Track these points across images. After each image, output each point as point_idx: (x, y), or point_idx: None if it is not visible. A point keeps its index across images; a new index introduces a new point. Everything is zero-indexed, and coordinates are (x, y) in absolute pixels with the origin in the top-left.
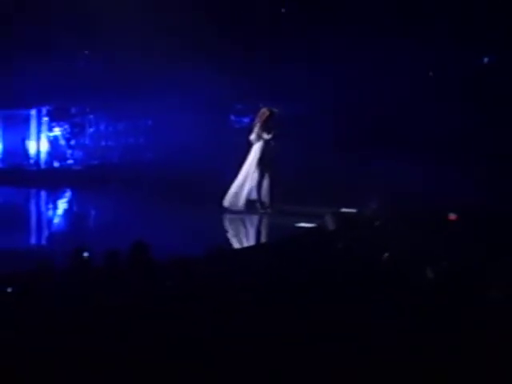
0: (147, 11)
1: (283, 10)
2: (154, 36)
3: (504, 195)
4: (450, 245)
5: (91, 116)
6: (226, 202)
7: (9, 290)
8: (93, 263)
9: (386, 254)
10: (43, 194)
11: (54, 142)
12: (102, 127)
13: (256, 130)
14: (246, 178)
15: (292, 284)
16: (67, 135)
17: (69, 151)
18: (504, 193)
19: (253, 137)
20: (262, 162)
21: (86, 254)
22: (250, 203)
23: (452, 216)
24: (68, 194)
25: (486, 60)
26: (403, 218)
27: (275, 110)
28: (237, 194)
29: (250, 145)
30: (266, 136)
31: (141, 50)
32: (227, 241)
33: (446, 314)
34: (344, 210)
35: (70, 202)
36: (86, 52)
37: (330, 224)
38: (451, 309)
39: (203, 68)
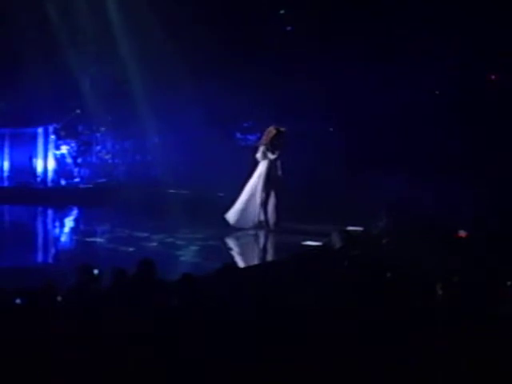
0: (154, 30)
1: (289, 28)
2: (162, 55)
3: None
4: (459, 261)
5: (98, 134)
6: (231, 219)
7: (17, 301)
8: (101, 280)
9: (389, 274)
10: (50, 211)
11: (60, 160)
12: (108, 145)
13: (262, 148)
14: (252, 196)
15: (298, 301)
16: (74, 153)
17: (75, 169)
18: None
19: (259, 155)
20: (268, 181)
21: (95, 271)
22: (256, 222)
23: (462, 233)
24: (75, 211)
25: (493, 77)
26: (412, 235)
27: (282, 128)
28: (242, 212)
29: (256, 162)
30: (271, 156)
31: (148, 69)
32: (234, 259)
33: (457, 330)
34: (350, 228)
35: (76, 220)
36: (94, 69)
37: (337, 242)
38: (462, 325)
39: (209, 85)
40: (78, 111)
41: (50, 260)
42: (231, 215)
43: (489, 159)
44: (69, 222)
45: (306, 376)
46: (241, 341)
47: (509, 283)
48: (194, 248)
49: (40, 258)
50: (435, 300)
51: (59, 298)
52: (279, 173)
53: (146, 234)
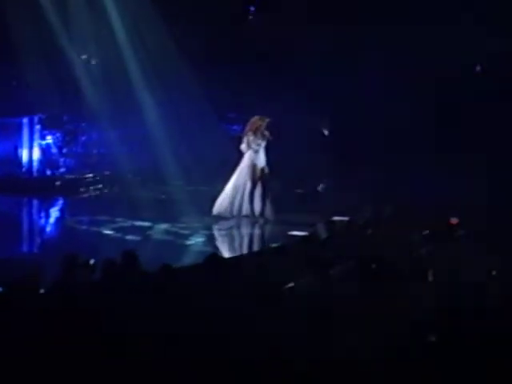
0: (142, 19)
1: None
2: (149, 44)
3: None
4: (451, 249)
5: (83, 124)
6: (216, 209)
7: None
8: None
9: (374, 266)
10: (35, 202)
11: (46, 149)
12: (94, 135)
13: (246, 139)
14: (238, 187)
15: (283, 292)
16: (59, 143)
17: (61, 159)
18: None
19: (243, 146)
20: (254, 171)
21: (91, 261)
22: (243, 213)
23: (453, 220)
24: (60, 202)
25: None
26: (399, 224)
27: (267, 118)
28: (227, 202)
29: (240, 154)
30: (254, 146)
31: (136, 59)
32: (220, 250)
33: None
34: (336, 218)
35: (61, 210)
36: (84, 57)
37: (322, 232)
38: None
39: (197, 76)
40: None
41: (36, 250)
42: (217, 206)
43: (476, 148)
44: (54, 212)
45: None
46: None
47: (493, 272)
48: (178, 240)
49: (23, 248)
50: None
51: (41, 290)
52: (264, 163)
53: (126, 224)
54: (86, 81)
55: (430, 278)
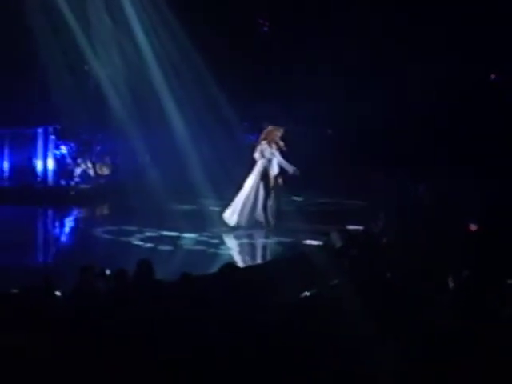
0: (164, 29)
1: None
2: (165, 54)
3: None
4: (471, 255)
5: (99, 135)
6: (229, 219)
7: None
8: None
9: (389, 274)
10: (50, 212)
11: (60, 160)
12: (109, 145)
13: (260, 147)
14: (249, 196)
15: (298, 300)
16: (73, 153)
17: (76, 169)
18: None
19: (257, 155)
20: (267, 180)
21: (107, 272)
22: (255, 221)
23: (473, 226)
24: (75, 211)
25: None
26: (417, 232)
27: (282, 128)
28: (240, 211)
29: (254, 162)
30: (268, 155)
31: (150, 69)
32: (235, 259)
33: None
34: (350, 227)
35: (76, 220)
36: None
37: (337, 241)
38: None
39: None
40: None
41: (49, 260)
42: (229, 216)
43: (490, 153)
44: (68, 222)
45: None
46: (240, 339)
47: (510, 281)
48: (193, 250)
49: (39, 258)
50: (447, 293)
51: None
52: (277, 172)
53: (144, 234)
54: (108, 91)
55: (451, 285)
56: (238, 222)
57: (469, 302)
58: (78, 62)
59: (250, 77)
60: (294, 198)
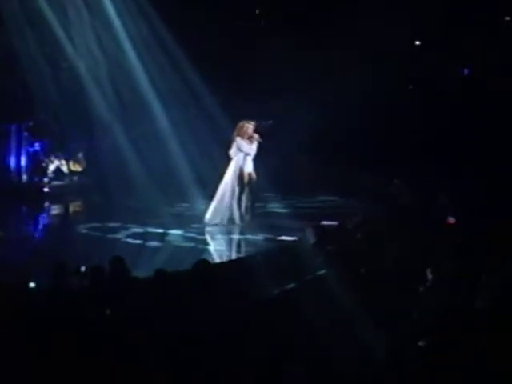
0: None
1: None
2: (144, 44)
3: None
4: (450, 247)
5: (73, 130)
6: (209, 218)
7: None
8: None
9: (363, 270)
10: (24, 208)
11: (33, 156)
12: (84, 141)
13: (235, 143)
14: (225, 192)
15: (272, 296)
16: (46, 150)
17: (50, 166)
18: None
19: (232, 151)
20: (241, 176)
21: (82, 269)
22: (230, 218)
23: (451, 220)
24: (51, 208)
25: (466, 72)
26: (394, 225)
27: (253, 122)
28: (216, 208)
29: (229, 159)
30: (246, 150)
31: (130, 61)
32: (209, 255)
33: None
34: (325, 222)
35: (54, 217)
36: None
37: (311, 237)
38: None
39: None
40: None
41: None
42: (209, 215)
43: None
44: (42, 219)
45: None
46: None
47: (483, 278)
48: (167, 246)
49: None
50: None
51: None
52: (252, 168)
53: (119, 230)
54: (86, 85)
55: (430, 277)
56: (213, 219)
57: (448, 292)
58: (55, 54)
59: (233, 69)
60: (267, 194)
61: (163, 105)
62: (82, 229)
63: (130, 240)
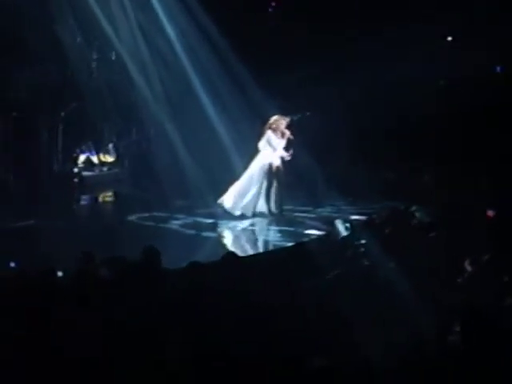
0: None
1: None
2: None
3: None
4: (488, 240)
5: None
6: (228, 204)
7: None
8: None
9: (392, 264)
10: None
11: (64, 146)
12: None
13: (266, 137)
14: (250, 185)
15: (301, 291)
16: (77, 141)
17: (80, 157)
18: None
19: (261, 144)
20: (270, 170)
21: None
22: (256, 211)
23: (490, 212)
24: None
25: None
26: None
27: (286, 117)
28: (240, 198)
29: (257, 150)
30: (274, 144)
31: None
32: (237, 248)
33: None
34: (353, 217)
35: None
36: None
37: (340, 231)
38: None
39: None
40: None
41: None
42: (227, 200)
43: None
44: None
45: None
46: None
47: (506, 278)
48: (196, 237)
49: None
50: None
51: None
52: (280, 162)
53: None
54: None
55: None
56: (236, 208)
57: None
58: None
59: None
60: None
61: (208, 95)
62: (133, 218)
63: (184, 230)
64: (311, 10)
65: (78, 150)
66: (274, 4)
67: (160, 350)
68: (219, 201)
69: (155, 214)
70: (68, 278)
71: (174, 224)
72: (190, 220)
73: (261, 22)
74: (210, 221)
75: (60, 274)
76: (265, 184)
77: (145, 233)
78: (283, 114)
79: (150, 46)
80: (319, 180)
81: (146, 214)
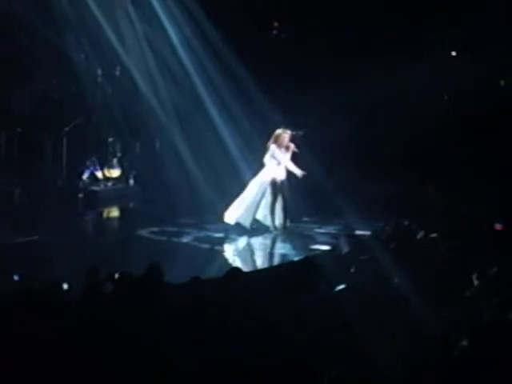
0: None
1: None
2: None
3: None
4: (496, 253)
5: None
6: (231, 218)
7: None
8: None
9: (396, 280)
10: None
11: (68, 162)
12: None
13: (270, 151)
14: (256, 198)
15: (305, 306)
16: (82, 156)
17: (85, 171)
18: None
19: (267, 158)
20: (274, 184)
21: (116, 275)
22: (261, 225)
23: (498, 226)
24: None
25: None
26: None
27: (290, 131)
28: (243, 210)
29: (262, 164)
30: (279, 158)
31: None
32: (240, 263)
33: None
34: (358, 232)
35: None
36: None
37: (344, 246)
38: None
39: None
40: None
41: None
42: (231, 214)
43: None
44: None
45: None
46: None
47: None
48: (199, 251)
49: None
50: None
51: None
52: (285, 176)
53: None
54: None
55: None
56: (239, 220)
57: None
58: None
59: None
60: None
61: (216, 108)
62: (144, 232)
63: (196, 243)
64: (317, 25)
65: (82, 167)
66: (276, 24)
67: (163, 364)
68: (223, 218)
69: (164, 228)
70: (75, 292)
71: (184, 238)
72: (200, 233)
73: (268, 35)
74: (219, 235)
75: (66, 286)
76: (269, 198)
77: (152, 247)
78: (288, 127)
79: (157, 59)
80: (324, 193)
81: (155, 229)
